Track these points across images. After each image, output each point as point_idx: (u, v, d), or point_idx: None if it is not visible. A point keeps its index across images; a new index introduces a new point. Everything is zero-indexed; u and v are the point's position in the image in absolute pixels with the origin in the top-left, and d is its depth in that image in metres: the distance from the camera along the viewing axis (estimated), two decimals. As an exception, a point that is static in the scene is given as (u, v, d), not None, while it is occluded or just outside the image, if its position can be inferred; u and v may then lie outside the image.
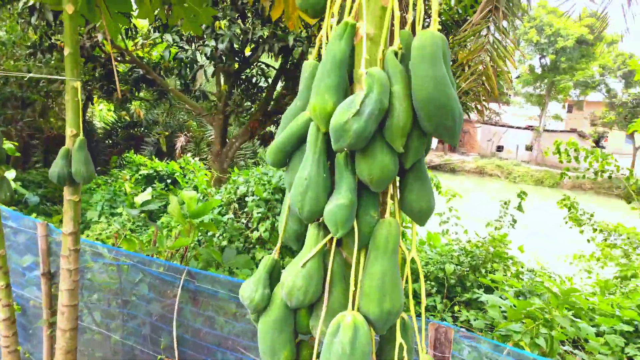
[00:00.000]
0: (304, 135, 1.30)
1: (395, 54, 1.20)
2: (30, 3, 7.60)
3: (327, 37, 1.32)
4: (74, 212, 3.01)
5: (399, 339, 1.34)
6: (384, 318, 1.25)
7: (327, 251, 1.36)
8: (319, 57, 1.38)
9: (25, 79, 11.50)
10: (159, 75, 10.83)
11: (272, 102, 10.27)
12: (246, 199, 6.84)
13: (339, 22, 1.27)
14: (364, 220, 1.28)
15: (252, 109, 10.52)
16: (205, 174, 12.08)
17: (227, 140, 10.58)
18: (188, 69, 8.41)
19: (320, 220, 1.34)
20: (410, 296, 1.40)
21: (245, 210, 6.83)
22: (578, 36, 39.16)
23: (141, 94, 13.69)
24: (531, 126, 48.56)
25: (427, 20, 6.60)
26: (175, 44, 8.46)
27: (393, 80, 1.18)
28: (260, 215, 6.60)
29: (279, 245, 1.44)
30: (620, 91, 40.51)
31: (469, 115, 9.18)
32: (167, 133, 14.63)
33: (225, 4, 8.45)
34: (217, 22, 7.89)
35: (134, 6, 3.63)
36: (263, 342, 1.37)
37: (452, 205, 7.53)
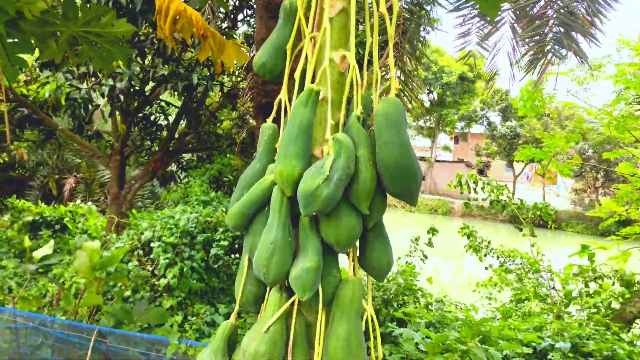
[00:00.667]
0: (266, 198, 1.28)
1: (358, 118, 1.23)
2: None
3: (286, 99, 1.32)
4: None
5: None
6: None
7: (288, 313, 1.33)
8: (275, 119, 1.38)
9: None
10: (46, 114, 10.16)
11: (173, 141, 10.00)
12: (151, 244, 6.52)
13: (300, 86, 1.27)
14: (327, 281, 1.27)
15: (152, 148, 10.18)
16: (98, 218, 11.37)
17: (125, 182, 10.10)
18: (82, 109, 7.97)
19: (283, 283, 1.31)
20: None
21: (151, 256, 6.50)
22: (460, 73, 42.46)
23: (25, 134, 12.75)
24: (423, 157, 51.38)
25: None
26: (67, 83, 8.01)
27: (358, 145, 1.20)
28: (167, 261, 6.31)
29: (236, 309, 1.38)
30: (499, 124, 44.37)
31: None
32: (57, 176, 13.67)
33: (121, 43, 8.19)
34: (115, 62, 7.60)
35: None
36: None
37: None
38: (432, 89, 44.05)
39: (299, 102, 1.22)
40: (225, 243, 6.65)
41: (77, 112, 7.97)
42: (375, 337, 1.31)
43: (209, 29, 2.52)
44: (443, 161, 49.61)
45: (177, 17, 2.47)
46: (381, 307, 6.58)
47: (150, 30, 7.82)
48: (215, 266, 6.61)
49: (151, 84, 8.53)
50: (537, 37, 4.32)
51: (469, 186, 8.67)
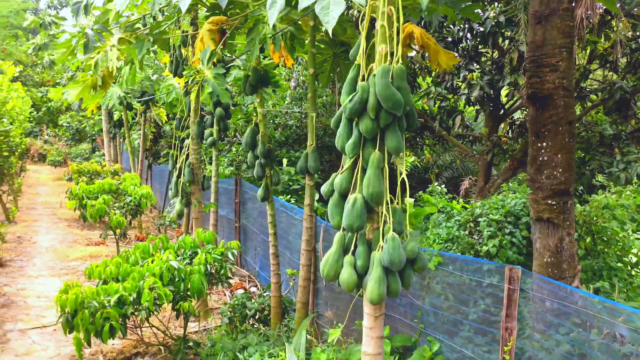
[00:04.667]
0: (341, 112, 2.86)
1: (374, 75, 2.67)
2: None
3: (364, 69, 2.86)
4: (310, 191, 4.98)
5: (383, 211, 2.74)
6: (369, 196, 2.69)
7: (357, 170, 2.84)
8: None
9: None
10: (439, 124, 12.67)
11: (533, 142, 10.98)
12: (479, 219, 7.97)
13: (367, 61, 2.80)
14: (366, 152, 2.76)
15: (514, 149, 11.40)
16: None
17: (490, 178, 11.67)
18: (446, 116, 10.08)
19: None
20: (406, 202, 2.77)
21: (478, 228, 7.95)
22: None
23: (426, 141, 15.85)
24: None
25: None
26: (439, 95, 10.22)
27: (370, 86, 2.66)
28: (489, 233, 7.65)
29: (349, 163, 2.96)
30: None
31: None
32: (437, 170, 16.42)
33: (485, 57, 9.95)
34: (470, 74, 9.35)
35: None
36: (330, 211, 2.93)
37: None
38: None
39: (352, 68, 2.77)
40: (542, 224, 7.47)
41: (444, 118, 10.11)
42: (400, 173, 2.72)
43: (425, 39, 3.93)
44: None
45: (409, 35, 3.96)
46: None
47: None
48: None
49: (507, 90, 9.88)
50: None
51: None
